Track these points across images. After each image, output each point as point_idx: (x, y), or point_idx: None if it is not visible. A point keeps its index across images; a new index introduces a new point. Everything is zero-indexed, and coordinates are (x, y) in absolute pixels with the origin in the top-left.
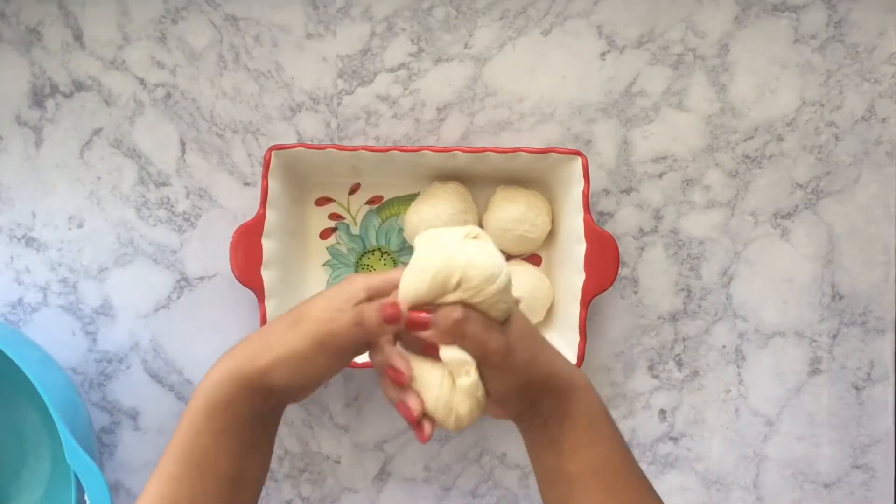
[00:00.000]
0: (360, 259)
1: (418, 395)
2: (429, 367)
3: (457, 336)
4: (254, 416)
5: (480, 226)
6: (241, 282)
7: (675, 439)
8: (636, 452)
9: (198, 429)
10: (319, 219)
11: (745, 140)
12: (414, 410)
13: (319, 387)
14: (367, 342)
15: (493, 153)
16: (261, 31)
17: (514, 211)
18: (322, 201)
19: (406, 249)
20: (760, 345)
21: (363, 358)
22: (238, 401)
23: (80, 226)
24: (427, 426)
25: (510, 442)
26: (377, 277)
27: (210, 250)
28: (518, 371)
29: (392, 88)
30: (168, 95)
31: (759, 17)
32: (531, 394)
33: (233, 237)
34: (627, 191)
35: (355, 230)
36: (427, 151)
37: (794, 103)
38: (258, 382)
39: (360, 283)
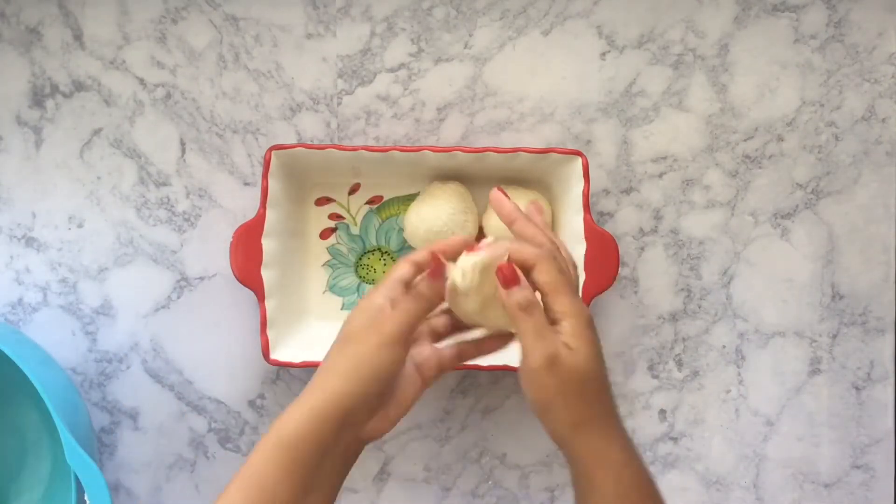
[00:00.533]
0: (360, 259)
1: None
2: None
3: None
4: (322, 454)
5: (480, 227)
6: (241, 282)
7: (675, 439)
8: None
9: (266, 459)
10: (319, 219)
11: (745, 140)
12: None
13: (393, 400)
14: (416, 316)
15: (493, 153)
16: (261, 31)
17: None
18: (322, 201)
19: (406, 249)
20: (760, 345)
21: None
22: (310, 440)
23: (80, 226)
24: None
25: (510, 442)
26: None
27: (210, 250)
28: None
29: (392, 88)
30: (168, 95)
31: (759, 17)
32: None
33: (233, 237)
34: (627, 191)
35: (355, 230)
36: (427, 151)
37: (794, 103)
38: (335, 415)
39: (384, 280)
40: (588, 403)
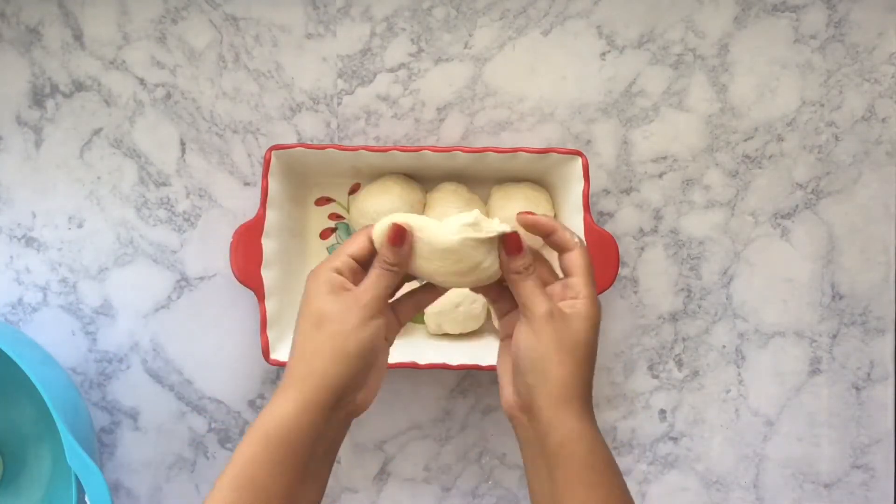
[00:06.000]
0: None
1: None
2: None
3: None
4: (315, 441)
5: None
6: (241, 282)
7: (675, 439)
8: (636, 452)
9: (256, 454)
10: (319, 219)
11: (745, 140)
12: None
13: (374, 369)
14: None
15: (493, 153)
16: (261, 31)
17: (515, 208)
18: (322, 201)
19: None
20: (760, 345)
21: None
22: (302, 430)
23: (80, 226)
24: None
25: (510, 442)
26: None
27: (210, 250)
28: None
29: (392, 88)
30: (168, 95)
31: (759, 17)
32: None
33: (233, 237)
34: (627, 191)
35: (355, 230)
36: (427, 151)
37: (794, 103)
38: (326, 400)
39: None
40: (577, 364)
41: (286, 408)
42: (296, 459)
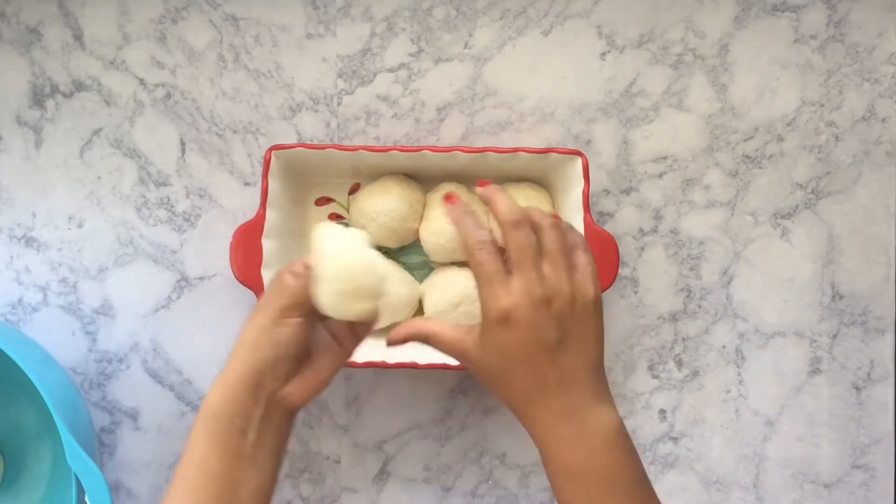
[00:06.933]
0: None
1: None
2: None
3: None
4: (244, 421)
5: None
6: (241, 282)
7: (675, 439)
8: None
9: (196, 432)
10: (319, 219)
11: (745, 140)
12: None
13: (307, 367)
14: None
15: (492, 153)
16: (261, 31)
17: None
18: (322, 201)
19: (406, 249)
20: (760, 345)
21: (363, 358)
22: (231, 408)
23: (80, 226)
24: None
25: (510, 442)
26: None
27: (210, 250)
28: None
29: (392, 88)
30: (168, 95)
31: (759, 17)
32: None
33: (233, 237)
34: (627, 191)
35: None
36: (427, 151)
37: (794, 103)
38: (246, 380)
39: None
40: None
41: (216, 387)
42: (228, 435)
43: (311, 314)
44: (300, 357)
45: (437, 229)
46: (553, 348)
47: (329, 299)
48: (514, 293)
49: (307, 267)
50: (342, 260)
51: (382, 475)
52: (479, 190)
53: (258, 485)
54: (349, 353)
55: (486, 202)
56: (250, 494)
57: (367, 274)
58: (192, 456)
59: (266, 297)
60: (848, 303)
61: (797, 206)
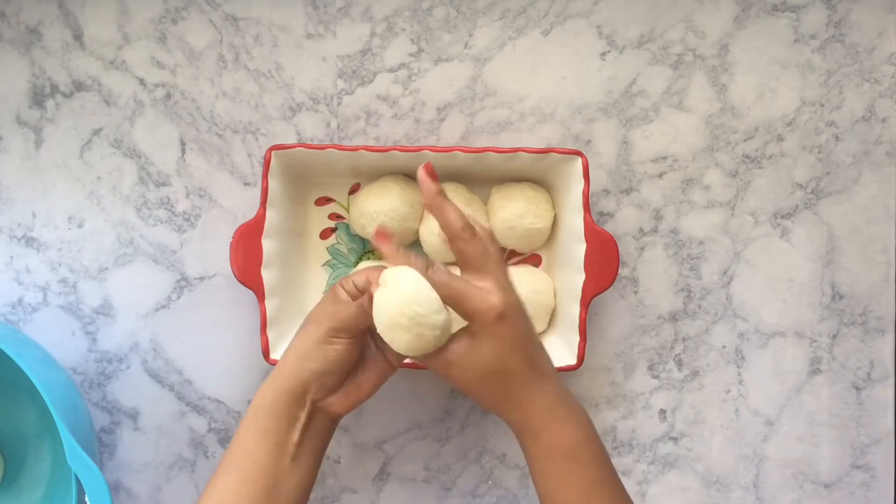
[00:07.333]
0: (360, 259)
1: None
2: None
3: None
4: (290, 423)
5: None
6: (241, 282)
7: (675, 439)
8: (636, 452)
9: (246, 425)
10: (319, 219)
11: (745, 140)
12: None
13: (351, 383)
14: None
15: (492, 153)
16: (261, 31)
17: (515, 208)
18: (322, 201)
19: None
20: (760, 345)
21: None
22: (279, 407)
23: (80, 226)
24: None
25: (510, 442)
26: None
27: (210, 250)
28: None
29: (392, 88)
30: (168, 95)
31: (759, 17)
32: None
33: (233, 237)
34: (627, 191)
35: (355, 230)
36: (427, 151)
37: (794, 103)
38: (295, 386)
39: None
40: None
41: (265, 388)
42: (275, 433)
43: (361, 335)
44: (348, 370)
45: (438, 229)
46: (533, 331)
47: (393, 335)
48: (497, 291)
49: (364, 292)
50: (414, 298)
51: (382, 475)
52: (424, 193)
53: (298, 483)
54: (395, 368)
55: (436, 214)
56: (291, 491)
57: (434, 312)
58: (242, 447)
59: (319, 310)
60: (848, 303)
61: (797, 206)
